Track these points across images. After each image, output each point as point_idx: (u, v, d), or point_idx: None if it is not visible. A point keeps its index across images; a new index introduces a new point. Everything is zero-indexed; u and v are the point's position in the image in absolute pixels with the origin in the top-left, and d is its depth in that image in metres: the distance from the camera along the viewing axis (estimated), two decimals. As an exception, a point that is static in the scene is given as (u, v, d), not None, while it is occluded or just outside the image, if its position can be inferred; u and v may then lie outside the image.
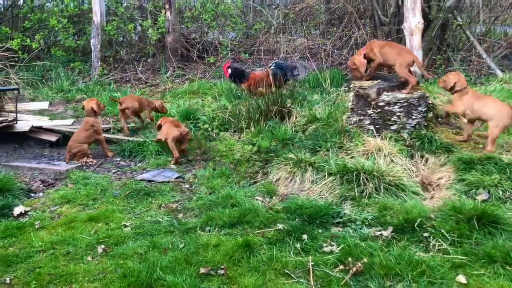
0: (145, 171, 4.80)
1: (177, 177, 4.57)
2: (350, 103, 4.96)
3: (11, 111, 5.74)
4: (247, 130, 5.49)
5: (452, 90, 4.55)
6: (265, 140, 5.11)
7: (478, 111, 4.39)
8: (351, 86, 5.09)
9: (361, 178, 3.80)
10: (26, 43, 9.54)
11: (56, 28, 9.83)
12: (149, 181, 4.46)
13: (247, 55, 9.87)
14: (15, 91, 5.42)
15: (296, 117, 5.72)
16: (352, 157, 4.32)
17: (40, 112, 6.29)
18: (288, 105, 5.82)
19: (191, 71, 9.64)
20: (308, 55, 8.97)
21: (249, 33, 10.86)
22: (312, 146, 4.63)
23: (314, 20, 9.69)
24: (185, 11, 10.41)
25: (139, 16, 11.06)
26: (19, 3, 10.78)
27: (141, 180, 4.48)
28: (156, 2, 10.47)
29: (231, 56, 9.71)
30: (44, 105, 6.15)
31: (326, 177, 3.96)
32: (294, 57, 9.27)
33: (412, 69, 5.12)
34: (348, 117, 4.91)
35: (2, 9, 10.92)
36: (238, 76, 7.00)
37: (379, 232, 3.26)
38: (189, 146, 5.51)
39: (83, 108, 5.34)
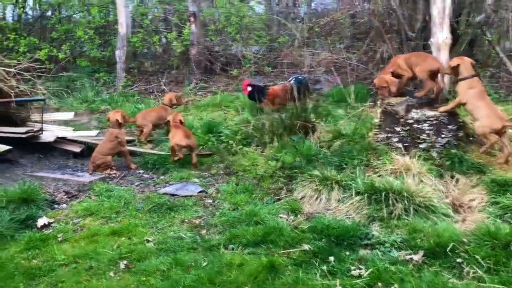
0: (168, 185, 4.76)
1: (200, 191, 4.51)
2: (377, 120, 4.85)
3: (36, 121, 5.80)
4: (270, 145, 5.42)
5: (457, 74, 4.47)
6: (289, 156, 5.03)
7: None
8: (377, 102, 4.98)
9: (390, 198, 3.68)
10: (53, 54, 9.72)
11: (82, 39, 9.99)
12: (172, 195, 4.41)
13: (270, 68, 9.85)
14: (41, 102, 5.46)
15: (320, 132, 5.63)
16: (379, 176, 4.21)
17: (65, 123, 6.34)
18: (313, 120, 5.74)
19: (214, 83, 9.65)
20: (333, 69, 8.89)
21: (272, 47, 10.85)
22: (338, 163, 4.53)
23: (339, 34, 9.61)
24: (209, 24, 10.47)
25: (164, 28, 11.19)
26: (47, 14, 11.01)
27: (164, 193, 4.44)
28: (181, 14, 10.56)
29: (254, 70, 9.70)
30: (69, 115, 6.21)
31: (353, 196, 3.85)
32: (318, 71, 9.21)
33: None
34: (375, 134, 4.80)
35: (31, 20, 11.16)
36: (258, 94, 6.88)
37: (409, 256, 3.13)
38: (211, 159, 5.48)
39: (108, 120, 5.36)
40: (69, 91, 9.14)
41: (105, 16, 11.18)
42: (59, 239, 3.54)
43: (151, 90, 9.45)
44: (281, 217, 3.78)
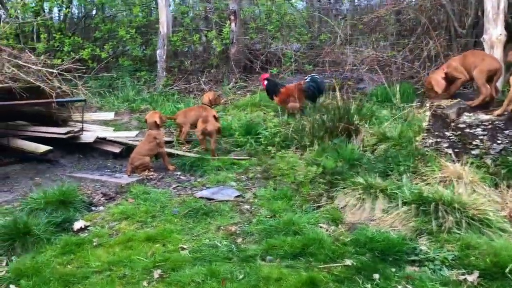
0: (204, 188, 4.66)
1: (236, 196, 4.38)
2: (425, 123, 4.56)
3: (77, 121, 5.84)
4: (311, 148, 5.21)
5: None
6: (330, 160, 4.81)
7: None
8: (427, 104, 4.67)
9: (440, 209, 3.41)
10: (96, 53, 9.88)
11: (124, 39, 10.09)
12: (208, 199, 4.30)
13: (311, 66, 9.60)
14: (82, 102, 5.49)
15: (364, 135, 5.37)
16: (427, 184, 3.93)
17: (105, 122, 6.38)
18: (356, 122, 5.49)
19: (253, 82, 9.51)
20: (377, 67, 8.55)
21: (313, 44, 10.59)
22: (382, 169, 4.28)
23: (383, 31, 9.23)
24: (249, 22, 10.33)
25: (204, 27, 11.15)
26: (91, 14, 11.21)
27: (200, 197, 4.34)
28: (221, 13, 10.48)
29: (294, 68, 9.49)
30: (109, 115, 6.24)
31: (400, 206, 3.60)
32: (361, 69, 8.88)
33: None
34: (423, 138, 4.51)
35: (76, 19, 11.41)
36: (271, 89, 6.97)
37: (463, 276, 2.86)
38: (249, 162, 5.34)
39: (145, 121, 5.32)
40: (110, 90, 9.28)
41: (147, 15, 11.26)
42: (94, 243, 3.49)
43: (190, 89, 9.43)
44: (321, 227, 3.59)
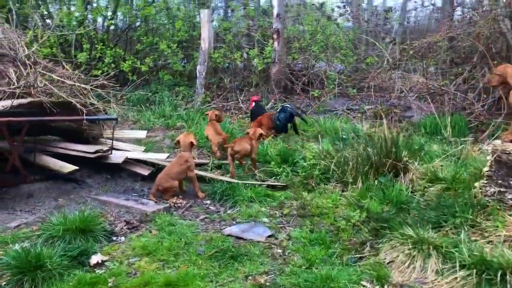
0: (234, 222, 4.29)
1: (268, 236, 3.98)
2: (486, 168, 4.02)
3: (108, 138, 5.62)
4: (354, 186, 4.76)
5: None
6: (375, 201, 4.35)
7: None
8: (489, 148, 4.14)
9: (508, 280, 2.89)
10: (136, 66, 9.78)
11: (165, 53, 9.97)
12: (238, 237, 3.92)
13: (354, 90, 9.15)
14: (113, 121, 5.26)
15: (413, 174, 4.88)
16: (489, 242, 3.40)
17: (137, 141, 6.14)
18: (404, 158, 5.00)
19: (293, 104, 9.14)
20: (427, 96, 8.01)
21: (359, 67, 10.14)
22: (435, 219, 3.77)
23: (435, 57, 8.68)
24: (293, 41, 10.00)
25: (246, 44, 10.91)
26: (135, 26, 11.18)
27: (229, 235, 3.96)
28: (264, 31, 10.20)
29: (338, 91, 9.06)
30: (141, 134, 6.00)
31: (457, 269, 3.09)
32: (409, 96, 8.35)
33: None
34: (483, 185, 3.97)
35: (119, 31, 11.42)
36: (255, 113, 7.23)
37: None
38: (284, 195, 4.93)
39: (177, 143, 5.02)
40: (147, 104, 9.12)
41: (190, 30, 11.14)
42: (110, 284, 3.17)
43: (228, 107, 9.16)
44: (363, 286, 3.13)
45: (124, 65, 9.72)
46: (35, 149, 4.75)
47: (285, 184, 5.16)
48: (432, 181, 4.73)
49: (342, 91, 9.18)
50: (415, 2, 11.98)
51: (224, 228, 4.13)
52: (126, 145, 5.72)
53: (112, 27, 11.37)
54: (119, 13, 11.14)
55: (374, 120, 7.95)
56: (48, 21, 10.62)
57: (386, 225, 3.75)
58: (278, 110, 7.26)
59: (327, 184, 5.05)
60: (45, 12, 10.49)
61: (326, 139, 6.53)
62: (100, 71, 9.64)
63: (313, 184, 5.12)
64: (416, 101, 8.35)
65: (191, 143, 4.96)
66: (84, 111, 4.89)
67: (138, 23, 11.30)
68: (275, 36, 9.26)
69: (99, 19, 10.87)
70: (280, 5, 9.33)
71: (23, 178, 4.71)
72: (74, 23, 10.24)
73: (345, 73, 9.79)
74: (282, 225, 4.26)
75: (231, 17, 11.93)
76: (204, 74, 9.33)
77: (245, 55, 10.42)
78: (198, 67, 9.40)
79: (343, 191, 4.89)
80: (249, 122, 7.53)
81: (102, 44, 10.05)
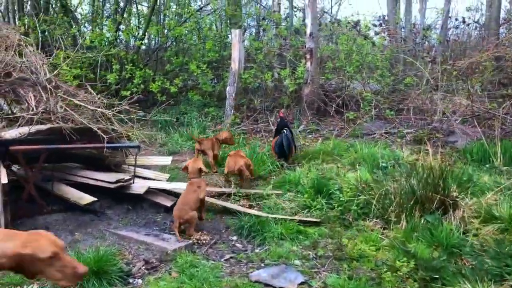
0: (262, 265, 3.86)
1: (301, 283, 3.53)
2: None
3: (131, 164, 5.33)
4: (397, 225, 4.25)
5: None
6: (422, 244, 3.84)
7: None
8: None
9: None
10: (165, 86, 9.59)
11: (195, 74, 9.75)
12: (266, 285, 3.49)
13: (392, 112, 8.63)
14: (136, 149, 4.97)
15: (463, 211, 4.34)
16: None
17: (162, 168, 5.82)
18: (453, 194, 4.46)
19: (327, 126, 8.71)
20: (473, 119, 7.41)
21: (396, 88, 9.62)
22: (496, 271, 3.24)
23: (481, 78, 8.09)
24: (326, 61, 9.60)
25: (278, 64, 10.59)
26: (165, 46, 11.07)
27: (256, 281, 3.53)
28: (296, 50, 9.86)
29: (374, 114, 8.56)
30: (167, 160, 5.68)
31: None
32: (453, 120, 7.76)
33: None
34: (552, 230, 3.42)
35: (149, 52, 11.33)
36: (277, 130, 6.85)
37: None
38: (319, 231, 4.47)
39: (184, 169, 4.68)
40: (175, 126, 8.88)
41: (220, 50, 10.94)
42: None
43: (258, 129, 8.80)
44: None
45: (153, 85, 9.56)
46: (52, 177, 4.48)
47: (319, 220, 4.69)
48: (486, 220, 4.18)
49: (379, 113, 8.68)
50: (456, 20, 11.41)
51: (251, 272, 3.70)
52: (150, 172, 5.41)
53: (143, 47, 11.32)
54: (150, 34, 11.08)
55: (415, 146, 7.42)
56: (80, 41, 10.63)
57: (437, 276, 3.24)
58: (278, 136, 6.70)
59: (366, 220, 4.57)
60: (77, 33, 10.50)
61: (364, 167, 6.05)
62: (129, 92, 9.58)
63: (350, 220, 4.65)
64: (460, 124, 7.76)
65: (200, 169, 4.65)
66: (106, 138, 4.61)
67: (168, 43, 11.20)
68: (307, 55, 8.89)
69: (132, 40, 10.81)
70: (314, 24, 8.98)
71: (40, 208, 4.44)
72: (106, 43, 10.20)
73: (381, 94, 9.28)
74: (316, 269, 3.80)
75: (263, 37, 11.69)
76: (233, 95, 9.04)
77: (276, 75, 10.09)
78: (228, 88, 9.12)
79: (384, 228, 4.39)
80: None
81: (132, 64, 9.95)
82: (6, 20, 10.89)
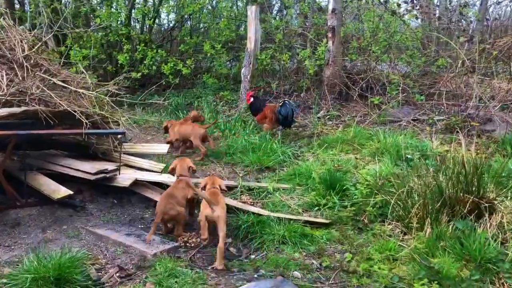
0: (255, 276, 3.27)
1: (298, 302, 2.92)
2: None
3: (125, 153, 4.80)
4: (419, 232, 3.56)
5: None
6: (449, 257, 3.15)
7: None
8: None
9: None
10: (178, 68, 9.03)
11: (208, 54, 9.14)
12: (255, 303, 2.90)
13: (422, 97, 7.78)
14: (121, 135, 4.42)
15: (502, 216, 3.60)
16: None
17: (159, 158, 5.26)
18: (490, 194, 3.73)
19: (348, 112, 7.95)
20: (514, 106, 6.54)
21: (427, 70, 8.72)
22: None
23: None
24: (351, 40, 8.79)
25: (299, 45, 9.85)
26: (180, 25, 10.45)
27: (244, 299, 2.95)
28: (318, 29, 9.08)
29: (402, 98, 7.74)
30: (163, 148, 5.11)
31: None
32: (491, 106, 6.89)
33: None
34: None
35: (163, 31, 10.77)
36: (254, 108, 6.86)
37: None
38: (327, 235, 3.83)
39: (171, 171, 4.06)
40: (186, 110, 8.32)
41: (238, 28, 10.25)
42: None
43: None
44: None
45: (165, 67, 9.01)
46: (26, 166, 3.99)
47: (328, 221, 4.04)
48: (530, 228, 3.45)
49: (407, 98, 7.85)
50: (497, -5, 10.33)
51: (240, 286, 3.11)
52: (144, 162, 4.86)
53: (155, 27, 10.77)
54: (163, 13, 10.51)
55: (446, 134, 6.62)
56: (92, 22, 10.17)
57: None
58: (280, 104, 6.74)
59: (383, 223, 3.89)
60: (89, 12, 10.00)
61: (386, 158, 5.34)
62: (139, 74, 9.08)
63: (366, 221, 3.99)
64: (500, 111, 6.87)
65: (190, 167, 4.09)
66: (87, 123, 4.07)
67: (183, 23, 10.60)
68: (329, 34, 8.12)
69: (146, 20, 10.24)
70: (337, -1, 8.17)
71: (13, 201, 3.97)
72: (119, 23, 9.70)
73: (410, 76, 8.42)
74: (319, 284, 3.18)
75: (286, 16, 10.92)
76: (249, 77, 8.37)
77: (296, 56, 9.36)
78: (243, 69, 8.47)
79: (404, 234, 3.71)
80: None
81: (144, 45, 9.42)
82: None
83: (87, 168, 4.10)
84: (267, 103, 7.21)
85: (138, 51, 9.29)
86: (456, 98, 7.31)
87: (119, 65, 9.39)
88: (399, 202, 3.93)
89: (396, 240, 3.57)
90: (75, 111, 4.11)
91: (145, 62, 9.12)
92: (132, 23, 10.42)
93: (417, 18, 9.24)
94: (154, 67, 9.19)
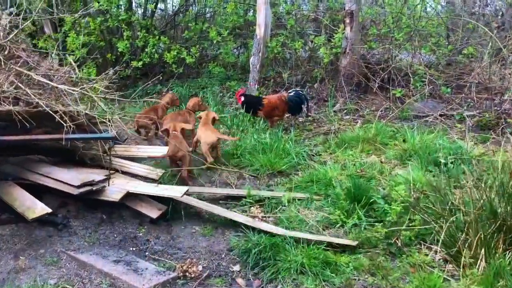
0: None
1: None
2: None
3: (120, 156, 4.18)
4: (472, 268, 2.90)
5: None
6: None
7: None
8: None
9: None
10: (182, 56, 8.36)
11: (215, 41, 8.45)
12: None
13: (449, 89, 7.06)
14: (109, 141, 3.79)
15: None
16: None
17: (157, 162, 4.61)
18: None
19: (367, 106, 7.26)
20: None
21: (452, 60, 7.96)
22: None
23: None
24: (370, 26, 8.04)
25: (313, 31, 9.11)
26: (184, 10, 9.73)
27: None
28: (334, 14, 8.34)
29: (428, 91, 7.02)
30: (161, 151, 4.46)
31: None
32: (528, 101, 6.17)
33: None
34: None
35: (167, 17, 10.05)
36: (252, 104, 6.21)
37: None
38: (354, 262, 3.19)
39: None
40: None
41: (246, 13, 9.52)
42: None
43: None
44: None
45: (168, 55, 8.34)
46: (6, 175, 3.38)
47: (355, 243, 3.40)
48: None
49: (433, 91, 7.13)
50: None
51: (250, 336, 2.50)
52: (140, 167, 4.24)
53: (159, 12, 10.06)
54: (166, -4, 9.79)
55: (477, 132, 5.94)
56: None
57: None
58: (291, 93, 6.41)
59: (422, 247, 3.25)
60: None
61: (416, 161, 4.70)
62: (141, 63, 8.43)
63: (400, 245, 3.34)
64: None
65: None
66: (71, 125, 3.44)
67: (187, 7, 9.87)
68: (347, 20, 7.37)
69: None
70: (356, -20, 7.42)
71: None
72: (119, 7, 9.01)
73: (436, 67, 7.67)
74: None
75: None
76: (258, 66, 7.68)
77: (309, 43, 8.63)
78: (251, 58, 7.78)
79: (449, 262, 3.06)
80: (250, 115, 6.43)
81: (145, 31, 8.74)
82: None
83: (70, 179, 3.47)
84: (264, 96, 6.69)
85: (140, 38, 8.61)
86: (488, 91, 6.59)
87: (119, 53, 8.74)
88: (439, 222, 3.29)
89: (441, 273, 2.92)
90: (56, 112, 3.47)
91: (146, 50, 8.44)
92: (134, 8, 9.74)
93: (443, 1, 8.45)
94: (156, 55, 8.53)
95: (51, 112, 3.35)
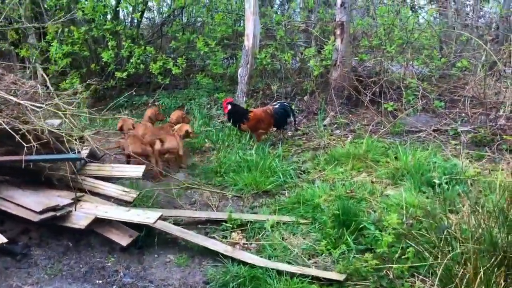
0: None
1: None
2: None
3: (92, 176, 3.88)
4: (472, 306, 2.64)
5: None
6: None
7: None
8: None
9: None
10: (168, 67, 8.10)
11: (202, 52, 8.20)
12: None
13: (442, 104, 6.85)
14: (78, 162, 3.49)
15: None
16: None
17: (132, 183, 4.30)
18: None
19: (358, 120, 7.02)
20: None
21: (445, 73, 7.77)
22: None
23: None
24: (361, 38, 7.83)
25: (303, 42, 8.91)
26: (171, 20, 9.48)
27: None
28: (324, 25, 8.13)
29: (421, 105, 6.79)
30: (138, 171, 4.16)
31: None
32: (524, 116, 5.96)
33: None
34: None
35: (154, 27, 9.78)
36: (238, 115, 6.01)
37: None
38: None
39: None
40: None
41: (235, 24, 9.29)
42: None
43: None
44: None
45: (154, 66, 8.07)
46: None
47: (343, 277, 3.11)
48: None
49: (426, 105, 6.90)
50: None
51: None
52: (113, 188, 3.93)
53: (145, 22, 9.82)
54: (152, 5, 9.53)
55: (472, 149, 5.72)
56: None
57: None
58: (276, 106, 6.26)
59: (416, 280, 2.97)
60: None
61: (408, 182, 4.45)
62: (125, 73, 8.17)
63: (392, 277, 3.06)
64: (535, 122, 5.95)
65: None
66: (35, 145, 3.14)
67: (174, 17, 9.63)
68: (338, 31, 7.16)
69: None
70: (347, -9, 7.21)
71: None
72: (104, 16, 8.74)
73: (429, 80, 7.46)
74: None
75: (288, 9, 9.97)
76: (246, 78, 7.46)
77: (299, 55, 8.42)
78: (239, 70, 7.55)
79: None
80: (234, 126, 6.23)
81: (131, 41, 8.47)
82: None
83: (32, 204, 3.17)
84: (251, 109, 6.43)
85: (125, 48, 8.34)
86: (483, 106, 6.37)
87: (103, 63, 8.47)
88: (433, 251, 3.02)
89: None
90: (19, 130, 3.17)
91: (131, 60, 8.17)
92: (121, 17, 9.48)
93: (438, 13, 8.27)
94: (142, 66, 8.26)
95: (10, 131, 3.05)
